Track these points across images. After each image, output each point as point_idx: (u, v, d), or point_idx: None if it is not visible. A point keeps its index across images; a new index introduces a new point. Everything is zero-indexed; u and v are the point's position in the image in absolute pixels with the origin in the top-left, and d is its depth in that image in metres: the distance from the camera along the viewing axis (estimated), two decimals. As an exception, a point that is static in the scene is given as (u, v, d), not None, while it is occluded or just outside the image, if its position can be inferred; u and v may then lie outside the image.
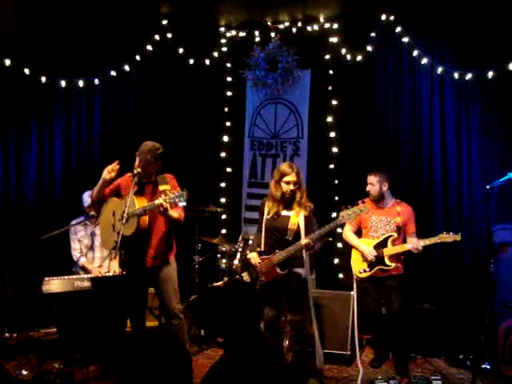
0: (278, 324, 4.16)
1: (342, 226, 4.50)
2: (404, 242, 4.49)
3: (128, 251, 4.04)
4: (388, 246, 4.42)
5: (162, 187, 3.98)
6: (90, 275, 4.76)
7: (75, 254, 5.12)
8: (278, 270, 3.96)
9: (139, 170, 3.98)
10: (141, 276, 4.10)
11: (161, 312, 5.17)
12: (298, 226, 3.98)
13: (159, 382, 1.65)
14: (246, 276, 4.14)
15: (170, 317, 4.11)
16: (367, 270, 4.47)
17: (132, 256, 4.06)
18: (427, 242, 4.32)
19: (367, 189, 4.56)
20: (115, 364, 1.73)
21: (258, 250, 4.11)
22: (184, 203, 3.72)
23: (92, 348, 4.51)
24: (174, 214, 3.96)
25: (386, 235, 4.46)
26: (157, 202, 3.78)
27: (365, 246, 4.49)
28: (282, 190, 4.01)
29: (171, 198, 3.71)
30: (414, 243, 4.36)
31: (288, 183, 3.99)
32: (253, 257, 4.07)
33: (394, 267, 4.40)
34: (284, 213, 4.06)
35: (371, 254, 4.41)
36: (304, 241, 3.86)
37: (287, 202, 4.06)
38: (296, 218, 3.99)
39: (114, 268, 4.98)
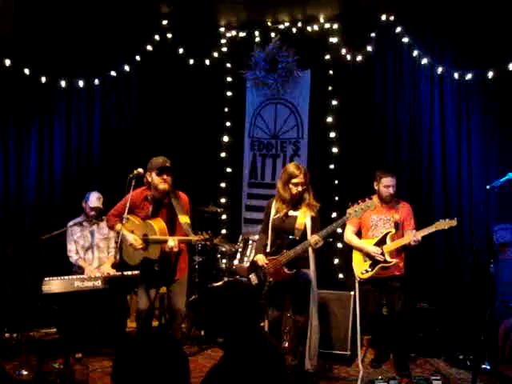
0: (281, 325, 4.15)
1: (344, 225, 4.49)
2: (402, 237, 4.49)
3: (151, 266, 4.09)
4: (387, 243, 4.43)
5: (182, 219, 3.95)
6: (99, 274, 4.79)
7: (71, 255, 5.10)
8: (286, 270, 3.93)
9: (140, 170, 4.00)
10: (161, 284, 4.21)
11: (160, 312, 5.19)
12: (305, 226, 3.96)
13: (156, 382, 1.64)
14: (253, 278, 4.11)
15: (178, 314, 4.20)
16: (369, 269, 4.46)
17: (162, 274, 4.11)
18: (425, 231, 4.31)
19: (391, 191, 4.51)
20: (113, 363, 1.72)
21: (265, 251, 4.10)
22: (209, 246, 3.93)
23: (92, 348, 4.52)
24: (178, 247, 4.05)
25: (385, 232, 4.46)
26: (170, 244, 3.86)
27: (368, 246, 4.48)
28: (291, 192, 3.99)
29: (197, 241, 3.81)
30: (411, 235, 4.35)
31: (296, 185, 3.97)
32: (260, 258, 4.04)
33: (394, 263, 4.39)
34: (291, 213, 4.04)
35: (377, 252, 4.41)
36: (312, 239, 3.84)
37: (294, 202, 4.04)
38: (303, 218, 3.97)
39: (106, 270, 4.97)
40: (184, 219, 3.94)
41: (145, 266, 4.15)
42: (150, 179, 4.03)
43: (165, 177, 3.99)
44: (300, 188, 3.97)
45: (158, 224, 4.00)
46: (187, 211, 4.09)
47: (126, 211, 3.89)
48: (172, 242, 3.87)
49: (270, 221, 4.10)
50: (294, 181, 3.96)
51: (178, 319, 4.23)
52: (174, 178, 4.10)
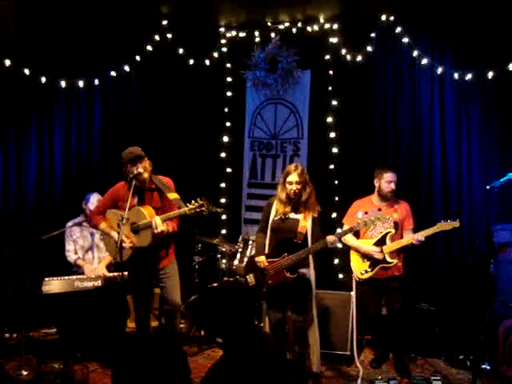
0: (283, 326, 4.14)
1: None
2: (401, 238, 4.47)
3: (143, 258, 4.08)
4: (387, 243, 4.41)
5: (171, 195, 3.96)
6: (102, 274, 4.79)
7: (69, 255, 5.04)
8: (288, 274, 3.92)
9: (140, 170, 3.98)
10: (151, 277, 4.18)
11: (161, 312, 5.19)
12: (307, 230, 3.95)
13: (155, 381, 1.64)
14: (251, 278, 4.10)
15: (176, 311, 4.19)
16: (369, 270, 4.44)
17: (146, 261, 4.11)
18: (428, 232, 4.29)
19: (393, 186, 4.51)
20: (112, 363, 1.72)
21: (264, 252, 4.09)
22: (206, 212, 3.75)
23: (92, 348, 4.52)
24: (169, 228, 4.01)
25: (384, 232, 4.45)
26: (153, 224, 3.83)
27: (367, 246, 4.47)
28: (286, 191, 3.98)
29: (192, 209, 3.73)
30: (410, 237, 4.34)
31: (291, 183, 3.96)
32: (261, 260, 4.03)
33: (395, 263, 4.38)
34: (292, 215, 4.02)
35: (376, 251, 4.39)
36: (330, 238, 3.83)
37: (295, 204, 4.02)
38: (305, 221, 3.96)
39: (101, 270, 4.94)
40: (173, 196, 3.93)
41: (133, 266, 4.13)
42: (128, 173, 4.01)
43: (139, 165, 3.99)
44: (295, 187, 3.95)
45: (147, 209, 3.99)
46: (174, 190, 4.08)
47: (126, 211, 3.84)
48: (154, 222, 3.84)
49: (270, 221, 4.08)
50: (288, 179, 3.97)
51: (176, 316, 4.19)
52: (152, 162, 4.10)
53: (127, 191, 3.99)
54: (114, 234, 4.03)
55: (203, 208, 3.73)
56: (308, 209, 3.98)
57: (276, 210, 4.07)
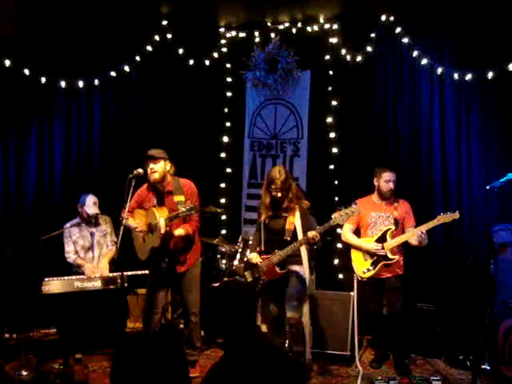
0: (282, 320, 4.19)
1: (340, 226, 4.49)
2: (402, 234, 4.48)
3: (158, 259, 4.17)
4: (388, 240, 4.41)
5: (176, 198, 4.06)
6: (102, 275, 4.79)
7: (69, 256, 5.03)
8: (278, 269, 4.02)
9: (139, 170, 4.07)
10: (168, 279, 4.24)
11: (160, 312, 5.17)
12: (295, 227, 4.03)
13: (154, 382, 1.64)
14: (248, 275, 4.21)
15: (190, 315, 4.24)
16: (371, 268, 4.44)
17: (163, 263, 4.18)
18: (428, 226, 4.27)
19: (392, 186, 4.52)
20: (111, 364, 1.72)
21: (258, 249, 4.19)
22: (196, 214, 3.92)
23: (92, 348, 4.52)
24: (181, 231, 4.06)
25: (384, 229, 4.45)
26: (158, 225, 3.92)
27: (368, 244, 4.47)
28: (271, 196, 4.09)
29: (183, 212, 3.83)
30: (412, 232, 4.34)
31: (275, 190, 4.04)
32: (253, 257, 4.15)
33: (396, 260, 4.38)
34: (280, 213, 4.12)
35: (378, 248, 4.39)
36: (310, 233, 3.87)
37: (281, 203, 4.10)
38: (293, 218, 4.06)
39: (102, 267, 4.94)
40: (177, 198, 4.03)
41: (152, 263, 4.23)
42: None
43: (151, 165, 4.08)
44: (279, 194, 4.04)
45: (160, 210, 4.06)
46: (187, 193, 4.14)
47: (126, 212, 3.95)
48: (158, 224, 3.94)
49: (262, 221, 4.18)
50: (272, 186, 4.06)
51: (192, 317, 4.25)
52: (174, 164, 4.25)
53: (148, 192, 4.18)
54: (132, 223, 4.18)
55: (192, 212, 3.85)
56: (292, 210, 4.06)
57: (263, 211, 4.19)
